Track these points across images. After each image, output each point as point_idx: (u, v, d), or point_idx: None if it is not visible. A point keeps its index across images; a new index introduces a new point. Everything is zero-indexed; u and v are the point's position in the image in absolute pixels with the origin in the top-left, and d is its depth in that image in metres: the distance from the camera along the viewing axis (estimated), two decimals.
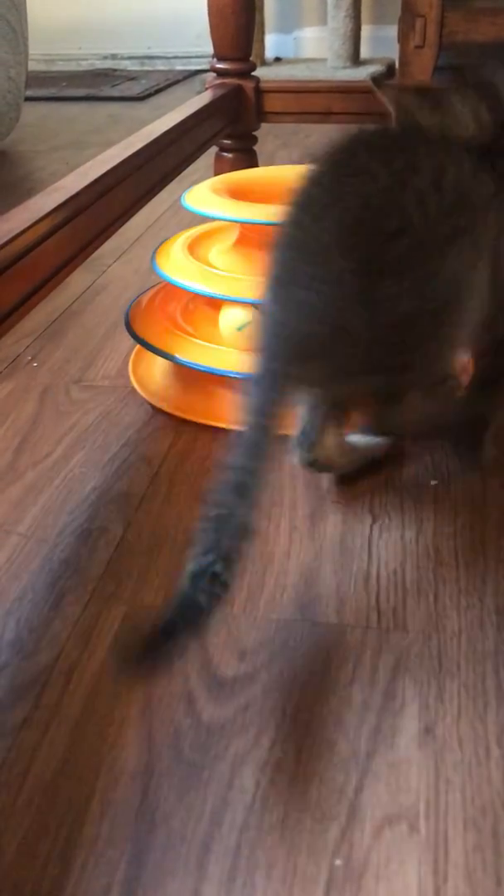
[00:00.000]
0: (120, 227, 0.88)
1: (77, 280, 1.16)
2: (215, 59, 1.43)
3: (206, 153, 1.37)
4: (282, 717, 0.50)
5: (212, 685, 0.52)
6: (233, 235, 0.86)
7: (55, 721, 0.50)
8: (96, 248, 0.81)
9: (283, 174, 0.92)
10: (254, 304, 0.76)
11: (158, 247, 0.88)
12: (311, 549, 0.63)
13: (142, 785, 0.46)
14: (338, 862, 0.42)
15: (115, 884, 0.41)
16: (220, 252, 0.86)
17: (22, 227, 0.66)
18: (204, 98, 1.31)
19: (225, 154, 1.48)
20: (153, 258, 0.86)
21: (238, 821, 0.44)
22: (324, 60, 2.62)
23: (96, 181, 0.80)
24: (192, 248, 0.87)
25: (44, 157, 1.92)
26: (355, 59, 2.56)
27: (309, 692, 0.51)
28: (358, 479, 0.70)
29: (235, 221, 0.81)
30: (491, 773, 0.46)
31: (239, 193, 0.84)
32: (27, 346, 0.97)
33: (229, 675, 0.53)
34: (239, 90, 1.42)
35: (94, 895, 0.41)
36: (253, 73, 1.46)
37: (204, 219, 0.83)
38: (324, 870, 0.42)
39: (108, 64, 3.21)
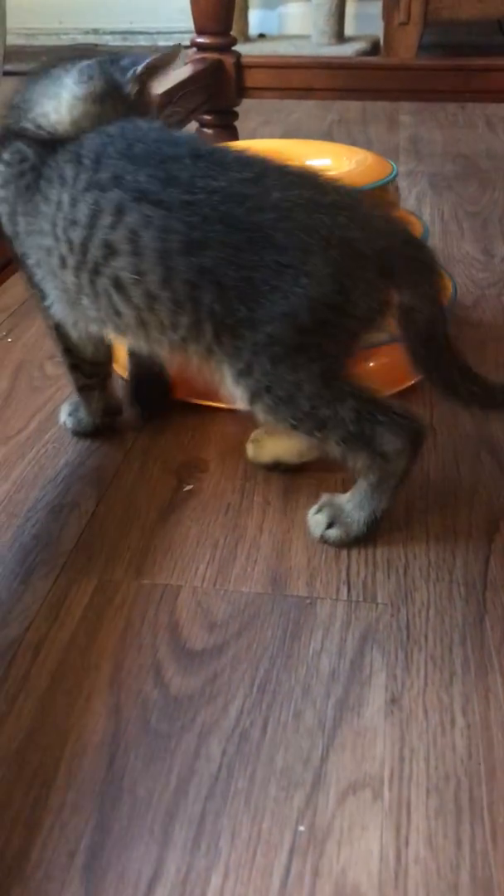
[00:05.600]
0: None
1: None
2: (195, 34, 1.42)
3: (187, 129, 1.36)
4: (250, 687, 0.50)
5: (181, 657, 0.52)
6: None
7: (23, 693, 0.50)
8: None
9: (262, 148, 0.91)
10: None
11: None
12: (284, 523, 0.63)
13: (108, 755, 0.46)
14: (301, 828, 0.42)
15: (80, 850, 0.42)
16: None
17: None
18: (183, 72, 1.29)
19: (206, 129, 1.47)
20: None
21: (204, 789, 0.44)
22: (308, 37, 2.59)
23: None
24: None
25: None
26: (340, 36, 2.54)
27: (277, 663, 0.51)
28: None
29: None
30: (455, 741, 0.47)
31: None
32: (2, 322, 0.96)
33: (198, 647, 0.53)
34: (219, 65, 1.41)
35: (59, 861, 0.41)
36: (235, 49, 1.44)
37: None
38: (287, 836, 0.42)
39: (90, 39, 3.16)
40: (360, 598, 0.56)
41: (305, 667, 0.51)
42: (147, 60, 0.61)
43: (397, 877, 0.40)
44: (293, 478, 0.68)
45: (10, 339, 0.92)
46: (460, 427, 0.74)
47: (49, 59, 0.64)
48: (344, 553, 0.60)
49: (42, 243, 0.60)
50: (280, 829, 0.42)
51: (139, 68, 0.61)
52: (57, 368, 0.85)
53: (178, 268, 0.54)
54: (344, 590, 0.57)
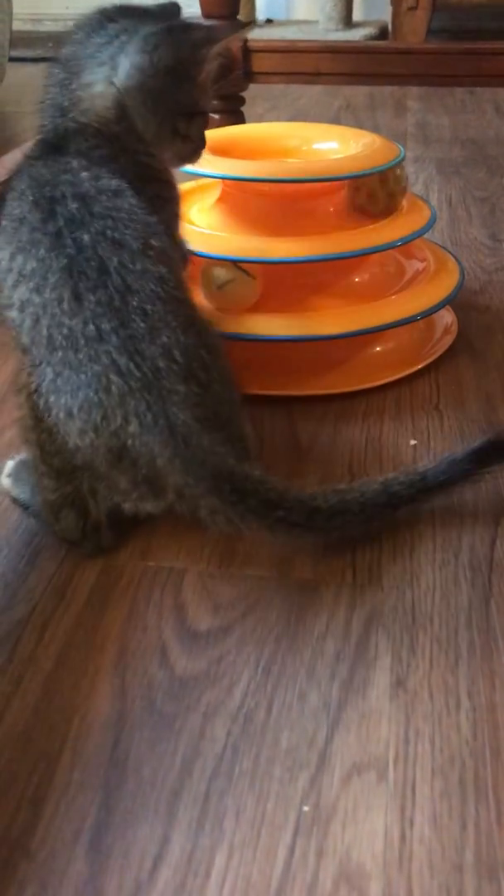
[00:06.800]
0: None
1: None
2: (202, 18, 1.41)
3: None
4: (255, 669, 0.50)
5: (186, 638, 0.52)
6: (215, 193, 0.85)
7: (29, 673, 0.50)
8: None
9: (268, 131, 0.90)
10: (235, 262, 0.75)
11: None
12: None
13: (113, 734, 0.46)
14: (305, 808, 0.42)
15: (85, 829, 0.42)
16: (202, 210, 0.85)
17: None
18: None
19: (212, 115, 1.46)
20: None
21: (208, 769, 0.44)
22: (316, 22, 2.57)
23: None
24: None
25: (30, 118, 1.88)
26: (347, 21, 2.52)
27: (282, 645, 0.51)
28: None
29: (218, 178, 0.80)
30: (460, 723, 0.47)
31: (222, 150, 0.83)
32: None
33: (203, 628, 0.53)
34: (225, 49, 1.40)
35: (63, 839, 0.41)
36: None
37: (186, 176, 0.81)
38: (292, 816, 0.42)
39: None
40: (366, 582, 0.56)
41: (310, 649, 0.51)
42: (222, 34, 0.56)
43: (402, 857, 0.40)
44: (297, 463, 0.68)
45: None
46: (466, 411, 0.74)
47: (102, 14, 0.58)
48: (350, 537, 0.60)
49: None
50: (284, 809, 0.42)
51: (216, 46, 0.56)
52: None
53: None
54: (349, 573, 0.57)
